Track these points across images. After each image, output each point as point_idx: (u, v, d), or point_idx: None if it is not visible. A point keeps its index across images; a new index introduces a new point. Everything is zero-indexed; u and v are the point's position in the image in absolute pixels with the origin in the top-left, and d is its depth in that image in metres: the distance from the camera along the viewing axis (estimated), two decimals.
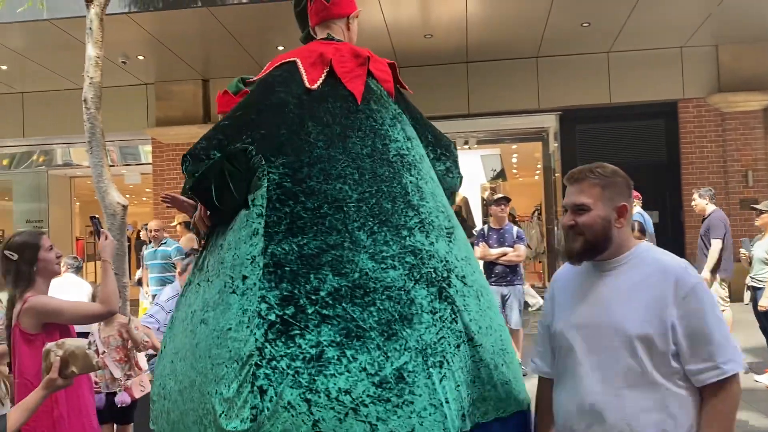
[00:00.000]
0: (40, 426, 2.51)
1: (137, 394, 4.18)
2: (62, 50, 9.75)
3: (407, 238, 2.00)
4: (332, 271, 1.88)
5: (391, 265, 1.93)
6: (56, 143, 13.26)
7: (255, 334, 1.81)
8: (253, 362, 1.77)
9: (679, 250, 9.67)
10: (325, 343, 1.79)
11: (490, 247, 6.51)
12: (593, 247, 1.88)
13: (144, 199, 16.40)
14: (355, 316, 1.83)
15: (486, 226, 6.94)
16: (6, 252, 2.75)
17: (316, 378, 1.74)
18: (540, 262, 15.16)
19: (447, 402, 1.83)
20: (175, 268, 7.44)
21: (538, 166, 15.45)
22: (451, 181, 2.42)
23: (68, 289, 5.27)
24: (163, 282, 7.22)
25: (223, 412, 1.78)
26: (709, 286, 6.16)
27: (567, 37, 10.19)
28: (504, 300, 6.40)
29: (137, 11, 8.69)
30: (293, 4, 2.45)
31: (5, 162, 13.85)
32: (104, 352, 4.10)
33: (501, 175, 14.15)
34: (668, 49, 10.80)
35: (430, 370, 1.84)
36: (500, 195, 7.41)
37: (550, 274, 13.18)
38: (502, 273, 6.43)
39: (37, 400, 2.05)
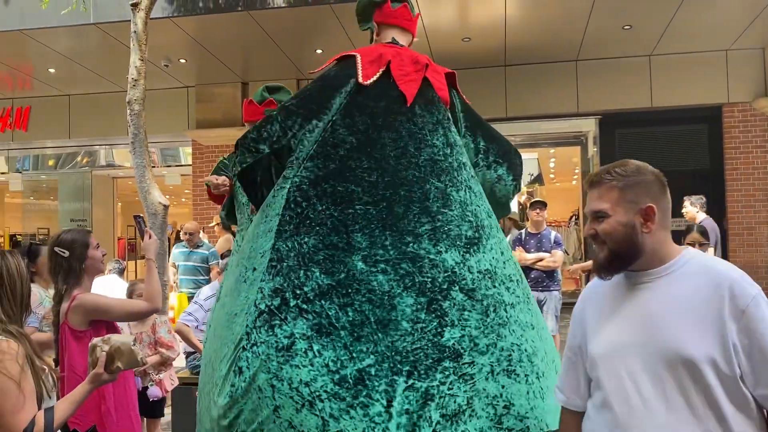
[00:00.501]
0: (87, 419, 2.57)
1: (169, 388, 4.28)
2: (107, 53, 10.01)
3: (410, 244, 1.99)
4: (320, 270, 1.94)
5: (382, 270, 1.94)
6: (100, 144, 13.61)
7: (248, 320, 1.93)
8: (241, 345, 1.91)
9: (722, 258, 9.42)
10: (297, 335, 1.87)
11: (527, 251, 6.45)
12: (619, 258, 1.64)
13: (183, 200, 16.70)
14: (330, 313, 1.88)
15: (524, 231, 6.87)
16: (56, 249, 2.81)
17: (283, 366, 1.83)
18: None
19: (407, 413, 1.79)
20: (209, 271, 7.53)
21: (576, 170, 15.24)
22: (503, 188, 2.41)
23: (111, 289, 5.39)
24: (197, 284, 7.27)
25: (219, 387, 1.94)
26: None
27: (608, 39, 10.03)
28: (540, 305, 6.33)
29: (180, 15, 8.86)
30: None
31: (51, 162, 14.26)
32: None
33: (538, 179, 13.99)
34: (713, 52, 10.54)
35: (395, 377, 1.82)
36: (536, 199, 7.34)
37: (587, 280, 12.98)
38: (538, 278, 6.36)
39: (83, 393, 2.10)
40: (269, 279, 1.97)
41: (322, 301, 1.91)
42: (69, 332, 2.71)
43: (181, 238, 8.02)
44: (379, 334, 1.86)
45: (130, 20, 5.72)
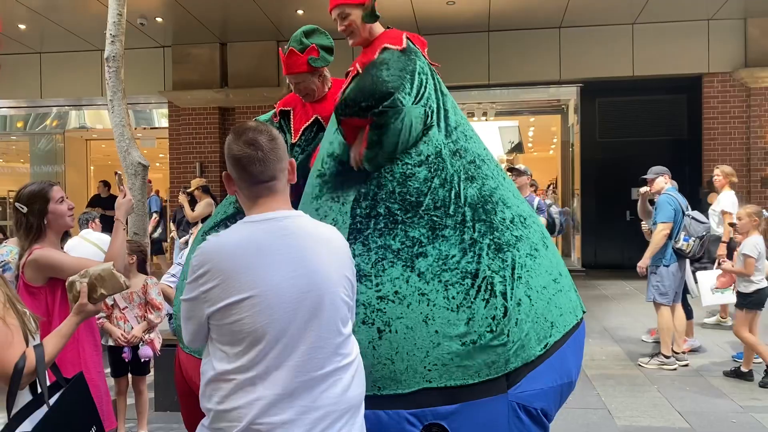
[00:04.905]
0: None
1: (159, 346, 4.25)
2: (81, 11, 9.69)
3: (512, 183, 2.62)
4: (504, 205, 2.36)
5: (522, 201, 2.50)
6: (73, 105, 13.25)
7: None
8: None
9: None
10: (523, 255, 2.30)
11: None
12: None
13: (158, 164, 16.35)
14: (529, 235, 2.35)
15: None
16: (16, 204, 2.71)
17: (530, 280, 2.24)
18: (554, 235, 15.12)
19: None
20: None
21: (554, 140, 15.28)
22: None
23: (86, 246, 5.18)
24: None
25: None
26: None
27: (592, 7, 9.98)
28: None
29: None
30: None
31: (19, 124, 13.86)
32: (126, 307, 4.14)
33: (518, 147, 14.01)
34: (695, 22, 10.57)
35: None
36: (511, 166, 7.27)
37: (563, 248, 13.14)
38: None
39: (71, 326, 2.04)
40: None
41: (523, 228, 2.46)
42: (23, 287, 2.63)
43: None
44: (550, 240, 2.57)
45: None
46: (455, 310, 2.11)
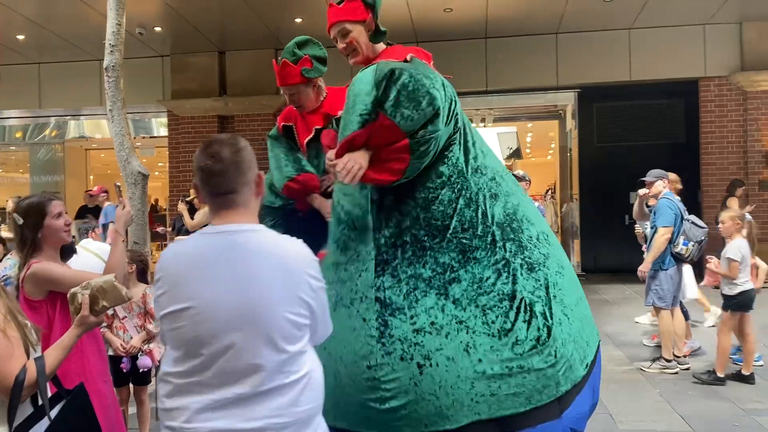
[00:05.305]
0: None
1: (158, 357, 4.23)
2: (79, 21, 9.71)
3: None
4: (529, 222, 2.29)
5: (540, 218, 2.47)
6: (72, 115, 13.26)
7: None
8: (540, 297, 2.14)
9: None
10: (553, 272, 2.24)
11: None
12: None
13: (157, 173, 16.33)
14: (555, 253, 2.30)
15: None
16: (14, 214, 2.69)
17: (563, 299, 2.18)
18: None
19: None
20: None
21: (552, 145, 15.31)
22: None
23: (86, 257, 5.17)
24: None
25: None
26: None
27: (589, 12, 10.02)
28: None
29: None
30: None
31: (19, 134, 13.86)
32: (125, 317, 4.14)
33: (516, 153, 14.02)
34: (691, 26, 10.60)
35: None
36: (511, 172, 7.29)
37: None
38: None
39: (72, 338, 2.03)
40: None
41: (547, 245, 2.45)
42: (24, 301, 2.61)
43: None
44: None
45: None
46: (497, 335, 1.99)
